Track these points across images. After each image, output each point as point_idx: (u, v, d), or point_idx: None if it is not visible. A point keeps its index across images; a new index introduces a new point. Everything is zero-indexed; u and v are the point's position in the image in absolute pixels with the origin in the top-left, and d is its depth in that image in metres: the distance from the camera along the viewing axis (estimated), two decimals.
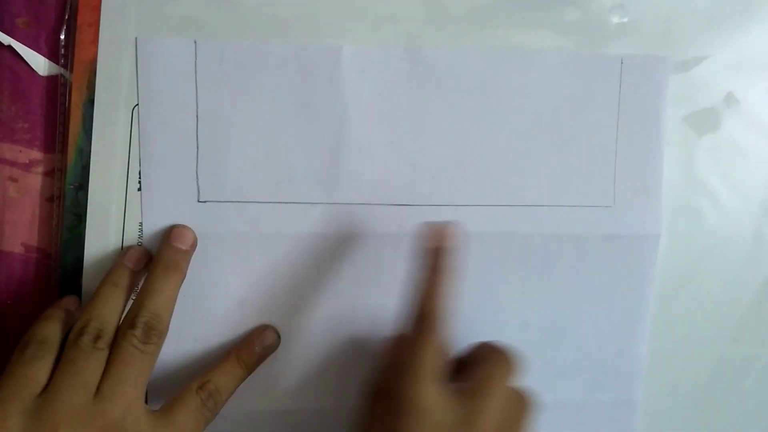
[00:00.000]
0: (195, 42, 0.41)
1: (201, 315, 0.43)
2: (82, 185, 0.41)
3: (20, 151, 0.42)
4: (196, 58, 0.41)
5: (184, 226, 0.42)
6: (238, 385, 0.42)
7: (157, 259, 0.40)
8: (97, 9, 0.41)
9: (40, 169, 0.42)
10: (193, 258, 0.42)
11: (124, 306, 0.39)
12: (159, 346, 0.38)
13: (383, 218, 0.43)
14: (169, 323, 0.39)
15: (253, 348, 0.42)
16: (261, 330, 0.43)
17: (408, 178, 0.43)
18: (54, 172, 0.42)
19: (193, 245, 0.42)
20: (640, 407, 0.46)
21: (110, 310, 0.39)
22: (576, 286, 0.45)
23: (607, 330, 0.45)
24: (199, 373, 0.41)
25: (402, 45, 0.42)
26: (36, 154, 0.42)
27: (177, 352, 0.43)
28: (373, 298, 0.44)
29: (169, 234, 0.41)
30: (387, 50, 0.42)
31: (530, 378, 0.45)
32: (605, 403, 0.46)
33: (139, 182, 0.41)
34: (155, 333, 0.38)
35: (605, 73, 0.44)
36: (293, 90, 0.42)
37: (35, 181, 0.42)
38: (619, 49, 0.44)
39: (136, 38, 0.40)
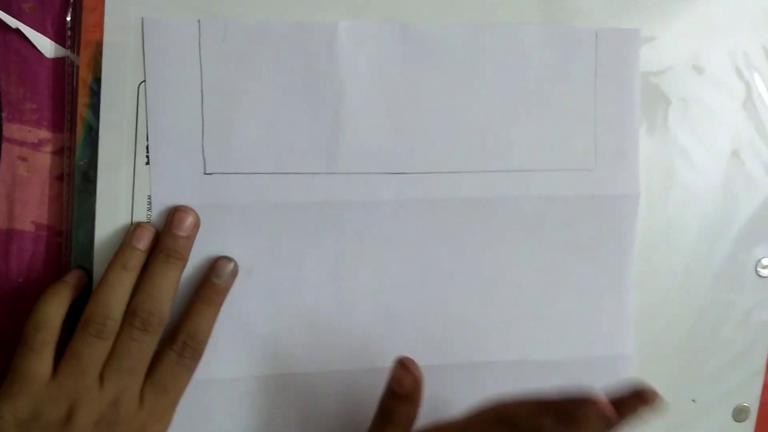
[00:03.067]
0: (199, 21, 0.43)
1: None
2: (91, 162, 0.43)
3: (29, 131, 0.43)
4: (200, 36, 0.43)
5: (184, 210, 0.43)
6: (212, 324, 0.43)
7: (158, 247, 0.42)
8: None
9: (49, 148, 0.43)
10: (201, 229, 0.44)
11: (132, 287, 0.41)
12: (158, 333, 0.41)
13: (381, 186, 0.45)
14: (169, 310, 0.41)
15: (211, 282, 0.43)
16: (213, 262, 0.44)
17: (404, 148, 0.45)
18: (63, 151, 0.43)
19: (195, 227, 0.43)
20: (633, 360, 0.49)
21: (117, 295, 0.40)
22: (564, 246, 0.48)
23: (596, 287, 0.48)
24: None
25: (394, 19, 0.45)
26: (45, 134, 0.43)
27: None
28: (373, 265, 0.46)
29: (170, 220, 0.43)
30: (380, 25, 0.45)
31: (526, 336, 0.48)
32: (599, 358, 0.49)
33: (147, 157, 0.43)
34: (155, 320, 0.40)
35: (582, 45, 0.47)
36: (293, 65, 0.44)
37: (44, 160, 0.43)
38: (594, 23, 0.47)
39: (142, 18, 0.42)
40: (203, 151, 0.44)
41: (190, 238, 0.43)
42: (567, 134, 0.47)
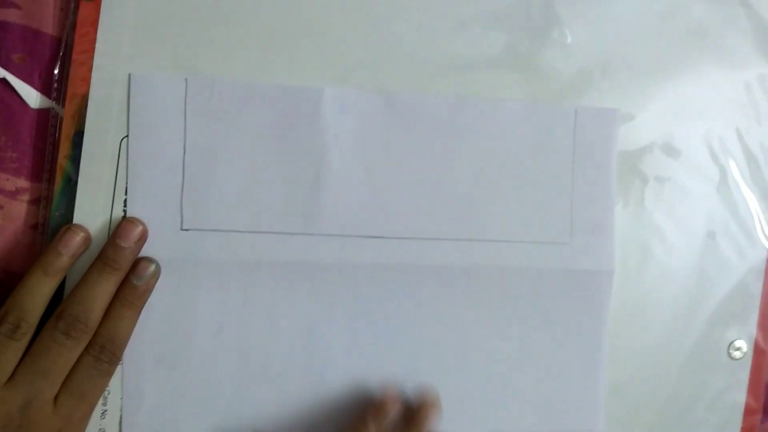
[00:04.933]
0: (186, 79, 0.44)
1: (180, 341, 0.44)
2: (68, 213, 0.43)
3: (7, 180, 0.43)
4: (186, 94, 0.43)
5: (131, 221, 0.42)
6: (131, 327, 0.42)
7: (99, 254, 0.41)
8: (91, 47, 0.43)
9: (26, 197, 0.43)
10: (174, 284, 0.44)
11: (53, 292, 0.40)
12: (82, 340, 0.40)
13: (358, 249, 0.45)
14: (98, 319, 0.40)
15: (131, 283, 0.42)
16: (135, 264, 0.42)
17: (382, 213, 0.46)
18: (39, 201, 0.43)
19: (141, 240, 0.42)
20: None
21: (34, 300, 0.39)
22: (537, 318, 0.48)
23: (568, 361, 0.48)
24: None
25: (378, 89, 0.46)
26: (23, 183, 0.43)
27: (156, 377, 0.44)
28: (346, 327, 0.46)
29: (116, 229, 0.42)
30: (364, 93, 0.46)
31: (496, 408, 0.47)
32: None
33: (124, 210, 0.43)
34: (81, 327, 0.39)
35: (561, 122, 0.48)
36: (277, 127, 0.45)
37: (20, 208, 0.43)
38: (574, 100, 0.48)
39: (129, 74, 0.43)
40: (181, 206, 0.44)
41: (133, 251, 0.42)
42: (544, 208, 0.48)
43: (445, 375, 0.47)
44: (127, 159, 0.43)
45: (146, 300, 0.42)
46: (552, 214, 0.48)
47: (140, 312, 0.42)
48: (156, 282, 0.43)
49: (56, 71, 0.44)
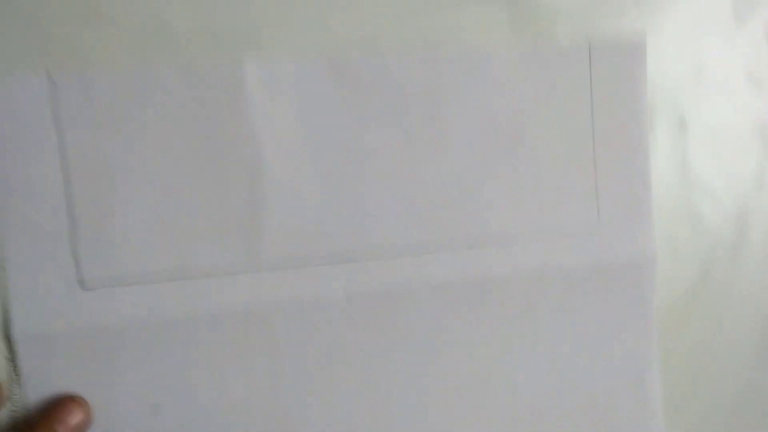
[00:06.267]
0: (48, 73, 0.31)
1: (106, 429, 0.33)
2: None
3: None
4: (53, 96, 0.31)
5: (72, 401, 0.32)
6: None
7: None
8: None
9: None
10: (87, 359, 0.32)
11: None
12: None
13: (324, 280, 0.34)
14: None
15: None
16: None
17: (349, 226, 0.34)
18: None
19: (83, 427, 0.32)
20: None
21: None
22: (565, 334, 0.37)
23: (612, 381, 0.37)
24: None
25: (319, 51, 0.33)
26: None
27: None
28: (322, 384, 0.34)
29: (51, 409, 0.31)
30: (300, 60, 0.33)
31: None
32: None
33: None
34: None
35: (571, 68, 0.36)
36: (187, 125, 0.32)
37: None
38: (583, 30, 0.36)
39: None
40: (75, 256, 0.32)
41: None
42: (559, 188, 0.36)
43: (457, 423, 0.36)
44: None
45: None
46: (570, 195, 0.36)
47: None
48: None
49: None
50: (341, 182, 0.34)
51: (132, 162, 0.32)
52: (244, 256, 0.33)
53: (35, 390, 0.32)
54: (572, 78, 0.36)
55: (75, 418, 0.31)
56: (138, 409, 0.33)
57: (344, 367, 0.35)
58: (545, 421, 0.37)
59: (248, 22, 0.33)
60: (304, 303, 0.34)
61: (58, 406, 0.31)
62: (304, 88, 0.33)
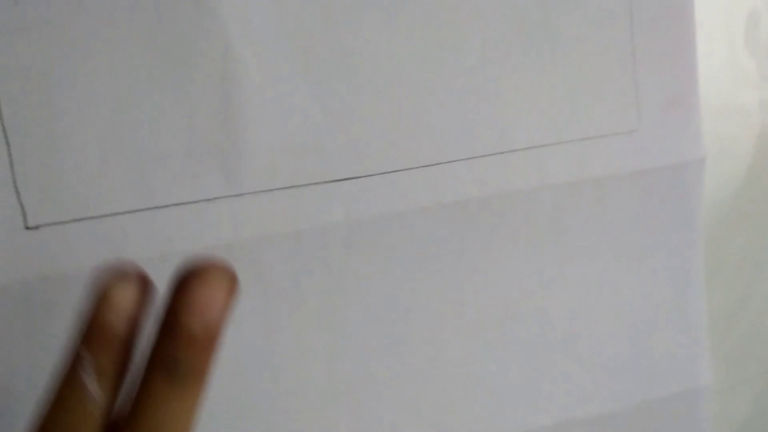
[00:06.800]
0: None
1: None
2: None
3: None
4: None
5: (212, 273, 0.19)
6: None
7: (153, 356, 0.19)
8: None
9: None
10: (43, 308, 0.27)
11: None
12: None
13: (320, 203, 0.29)
14: None
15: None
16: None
17: (344, 136, 0.28)
18: None
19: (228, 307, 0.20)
20: (711, 393, 0.34)
21: None
22: (602, 250, 0.32)
23: (652, 302, 0.33)
24: None
25: None
26: None
27: None
28: (324, 332, 0.29)
29: (177, 299, 0.19)
30: None
31: (566, 390, 0.33)
32: (668, 400, 0.34)
33: None
34: None
35: None
36: (143, 27, 0.26)
37: None
38: None
39: None
40: (17, 191, 0.26)
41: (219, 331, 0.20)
42: (593, 81, 0.30)
43: (481, 362, 0.31)
44: None
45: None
46: (608, 90, 0.31)
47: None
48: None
49: None
50: (333, 85, 0.28)
51: (77, 77, 0.26)
52: (221, 178, 0.27)
53: None
54: None
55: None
56: None
57: (349, 305, 0.29)
58: (579, 349, 0.32)
59: None
60: (297, 231, 0.28)
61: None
62: None
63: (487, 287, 0.31)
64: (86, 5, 0.25)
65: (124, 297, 0.19)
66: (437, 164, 0.29)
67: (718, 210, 0.34)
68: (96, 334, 0.19)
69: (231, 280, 0.19)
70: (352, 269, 0.29)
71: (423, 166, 0.29)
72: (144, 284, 0.19)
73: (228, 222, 0.28)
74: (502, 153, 0.30)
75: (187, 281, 0.19)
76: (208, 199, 0.27)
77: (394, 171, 0.29)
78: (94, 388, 0.19)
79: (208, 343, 0.19)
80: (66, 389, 0.19)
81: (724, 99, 0.33)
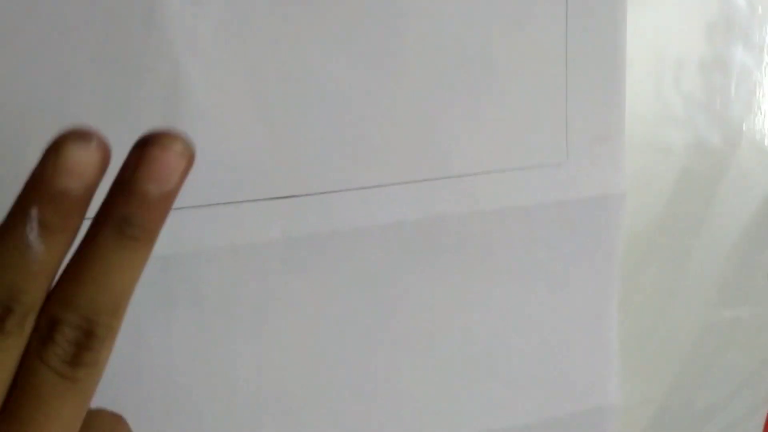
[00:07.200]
0: None
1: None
2: None
3: None
4: None
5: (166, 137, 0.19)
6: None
7: (103, 213, 0.19)
8: None
9: None
10: None
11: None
12: (98, 372, 0.20)
13: (258, 221, 0.29)
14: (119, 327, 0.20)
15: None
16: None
17: (285, 155, 0.29)
18: None
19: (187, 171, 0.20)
20: (619, 410, 0.37)
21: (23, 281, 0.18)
22: (526, 274, 0.33)
23: (569, 323, 0.35)
24: None
25: None
26: None
27: None
28: (254, 350, 0.30)
29: (136, 158, 0.19)
30: None
31: (485, 403, 0.34)
32: (578, 415, 0.36)
33: None
34: (97, 342, 0.19)
35: None
36: (91, 40, 0.26)
37: None
38: None
39: None
40: None
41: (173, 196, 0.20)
42: (526, 114, 0.32)
43: (408, 375, 0.33)
44: None
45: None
46: (539, 123, 0.32)
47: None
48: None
49: None
50: (277, 104, 0.28)
51: (17, 83, 0.26)
52: None
53: None
54: None
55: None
56: None
57: (281, 320, 0.30)
58: (498, 366, 0.34)
59: None
60: (235, 246, 0.29)
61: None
62: None
63: (416, 305, 0.32)
64: (36, 14, 0.25)
65: (82, 160, 0.18)
66: (375, 186, 0.30)
67: (636, 240, 0.36)
68: (46, 194, 0.18)
69: (190, 151, 0.20)
70: (288, 285, 0.30)
71: (361, 188, 0.30)
72: (104, 150, 0.18)
73: (166, 234, 0.28)
74: (438, 179, 0.31)
75: (148, 146, 0.19)
76: None
77: (332, 191, 0.30)
78: (38, 245, 0.18)
79: (163, 207, 0.19)
80: (7, 246, 0.18)
81: (649, 137, 0.35)
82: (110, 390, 0.29)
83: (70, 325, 0.19)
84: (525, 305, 0.34)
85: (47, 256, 0.18)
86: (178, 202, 0.29)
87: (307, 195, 0.30)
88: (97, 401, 0.29)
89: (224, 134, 0.28)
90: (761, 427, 0.41)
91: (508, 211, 0.32)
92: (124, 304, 0.19)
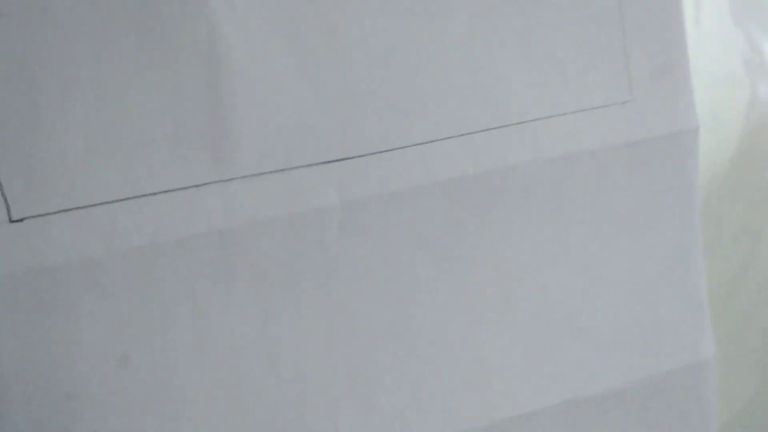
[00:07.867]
0: None
1: (67, 385, 0.27)
2: None
3: None
4: None
5: None
6: None
7: None
8: None
9: None
10: (32, 305, 0.26)
11: None
12: None
13: (313, 186, 0.28)
14: None
15: None
16: None
17: (338, 116, 0.28)
18: None
19: None
20: (714, 366, 0.34)
21: None
22: (601, 223, 0.31)
23: (653, 273, 0.32)
24: None
25: None
26: None
27: None
28: (318, 320, 0.29)
29: None
30: None
31: (569, 368, 0.32)
32: (671, 374, 0.33)
33: None
34: None
35: None
36: (125, 10, 0.25)
37: None
38: None
39: None
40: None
41: None
42: (583, 53, 0.30)
43: (482, 342, 0.31)
44: None
45: None
46: (598, 60, 0.30)
47: None
48: None
49: None
50: (322, 63, 0.27)
51: (56, 62, 0.25)
52: (210, 163, 0.27)
53: None
54: None
55: None
56: (103, 362, 0.27)
57: (346, 288, 0.29)
58: (580, 326, 0.32)
59: None
60: (291, 215, 0.28)
61: None
62: None
63: (485, 265, 0.30)
64: None
65: None
66: (431, 142, 0.29)
67: (713, 179, 0.33)
68: None
69: None
70: (348, 252, 0.29)
71: (416, 144, 0.29)
72: None
73: (219, 208, 0.27)
74: (496, 128, 0.29)
75: None
76: (198, 185, 0.27)
77: (387, 150, 0.28)
78: None
79: None
80: None
81: (713, 67, 0.33)
82: (171, 367, 0.28)
83: None
84: (603, 257, 0.32)
85: None
86: (228, 174, 0.28)
87: (361, 156, 0.28)
88: (159, 380, 0.28)
89: (268, 98, 0.27)
90: None
91: (575, 157, 0.30)
92: None
